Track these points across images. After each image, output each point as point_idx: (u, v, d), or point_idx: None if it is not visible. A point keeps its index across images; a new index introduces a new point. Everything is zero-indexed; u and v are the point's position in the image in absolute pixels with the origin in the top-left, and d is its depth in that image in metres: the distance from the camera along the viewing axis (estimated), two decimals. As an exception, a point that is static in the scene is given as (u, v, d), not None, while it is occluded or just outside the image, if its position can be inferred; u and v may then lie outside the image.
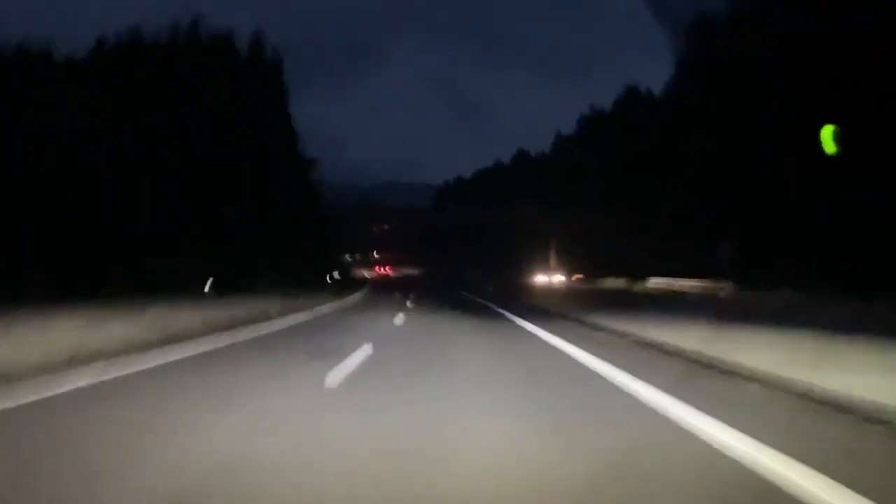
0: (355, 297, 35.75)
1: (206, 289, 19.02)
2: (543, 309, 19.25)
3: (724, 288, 25.52)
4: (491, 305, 23.98)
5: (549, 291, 29.59)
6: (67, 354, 7.91)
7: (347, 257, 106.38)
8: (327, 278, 40.02)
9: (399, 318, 17.95)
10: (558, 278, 35.13)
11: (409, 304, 26.95)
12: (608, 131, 72.94)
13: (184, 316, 13.60)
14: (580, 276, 35.79)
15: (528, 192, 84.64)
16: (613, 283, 33.50)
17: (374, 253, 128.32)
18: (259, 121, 35.72)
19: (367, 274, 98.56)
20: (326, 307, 24.92)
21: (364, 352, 9.53)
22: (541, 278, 36.32)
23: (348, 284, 46.59)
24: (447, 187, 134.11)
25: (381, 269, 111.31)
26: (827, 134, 16.39)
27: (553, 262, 50.35)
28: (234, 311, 17.23)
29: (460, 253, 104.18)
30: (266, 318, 17.26)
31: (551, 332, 12.46)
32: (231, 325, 13.93)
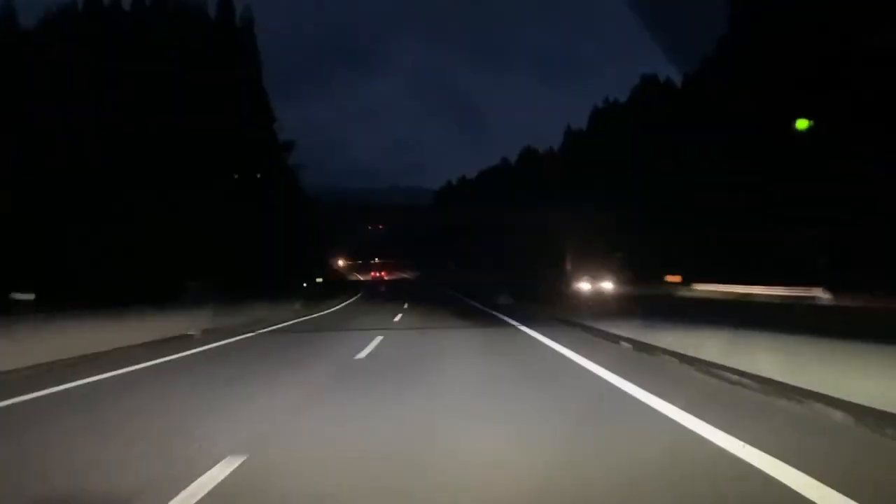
0: (336, 307, 29.27)
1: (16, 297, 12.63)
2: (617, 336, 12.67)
3: (819, 297, 19.00)
4: (515, 324, 17.12)
5: (600, 301, 22.48)
6: None
7: (340, 262, 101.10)
8: (304, 284, 33.65)
9: (373, 346, 11.53)
10: (607, 285, 27.43)
11: (397, 319, 20.38)
12: (623, 124, 66.92)
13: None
14: (677, 277, 27.47)
15: (536, 190, 78.67)
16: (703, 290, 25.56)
17: (376, 259, 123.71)
18: (222, 90, 29.40)
19: (361, 278, 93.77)
20: (286, 323, 18.53)
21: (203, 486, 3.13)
22: (584, 285, 28.80)
23: (336, 290, 40.15)
24: (449, 187, 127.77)
25: (377, 273, 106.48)
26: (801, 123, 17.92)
27: (568, 263, 43.61)
28: (124, 333, 10.99)
29: (465, 256, 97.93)
30: (178, 343, 11.03)
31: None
32: (88, 357, 7.86)
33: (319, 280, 36.95)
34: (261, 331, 15.61)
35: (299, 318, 20.94)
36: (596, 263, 30.09)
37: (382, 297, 42.49)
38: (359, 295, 42.46)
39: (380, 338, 13.10)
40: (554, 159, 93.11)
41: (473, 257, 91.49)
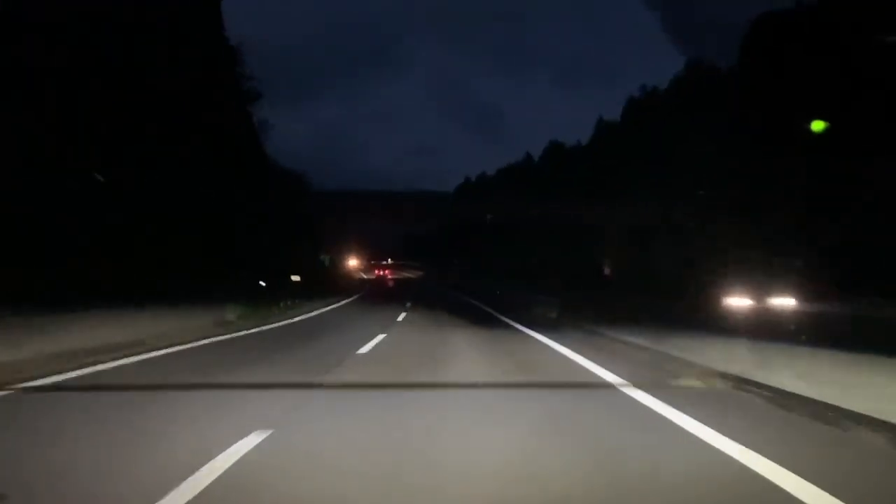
0: (296, 318, 20.29)
1: None
2: None
3: None
4: (616, 383, 7.55)
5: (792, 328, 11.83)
6: None
7: (353, 262, 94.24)
8: (262, 282, 24.91)
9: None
10: (785, 301, 16.76)
11: (366, 349, 11.47)
12: (665, 112, 57.99)
13: None
14: None
15: (565, 185, 70.36)
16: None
17: (389, 259, 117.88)
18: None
19: (366, 276, 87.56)
20: (155, 353, 9.91)
21: None
22: (736, 301, 18.50)
23: (322, 292, 31.45)
24: (467, 185, 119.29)
25: (381, 272, 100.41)
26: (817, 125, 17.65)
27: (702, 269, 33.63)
28: None
29: (479, 257, 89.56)
30: None
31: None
32: None
33: (296, 279, 28.42)
34: (35, 382, 6.93)
35: (205, 338, 12.24)
36: (741, 269, 19.70)
37: (378, 300, 33.94)
38: (349, 299, 33.57)
39: (259, 439, 4.35)
40: (582, 153, 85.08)
41: (488, 258, 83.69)
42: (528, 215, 63.71)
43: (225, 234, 25.65)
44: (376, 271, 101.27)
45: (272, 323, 16.97)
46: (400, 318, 19.67)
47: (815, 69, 25.33)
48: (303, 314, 21.03)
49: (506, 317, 20.40)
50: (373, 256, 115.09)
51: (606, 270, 45.86)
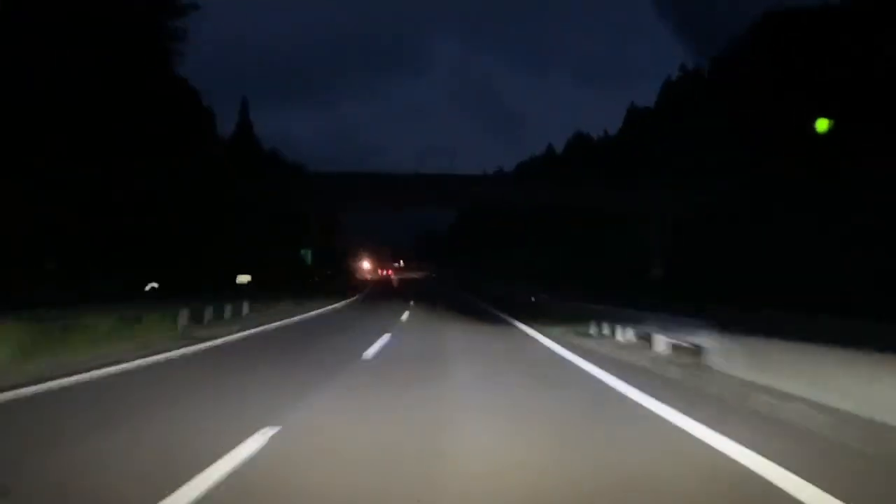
0: (120, 365, 11.74)
1: None
2: None
3: None
4: None
5: None
6: None
7: (366, 264, 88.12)
8: (153, 285, 16.60)
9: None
10: None
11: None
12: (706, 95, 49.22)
13: None
14: None
15: (594, 177, 62.15)
16: None
17: (401, 261, 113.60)
18: None
19: (369, 277, 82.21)
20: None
21: None
22: None
23: (294, 297, 23.21)
24: (485, 179, 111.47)
25: (383, 271, 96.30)
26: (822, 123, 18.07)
27: None
28: None
29: (501, 259, 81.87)
30: None
31: None
32: None
33: (244, 280, 20.32)
34: None
35: None
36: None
37: (366, 308, 26.06)
38: (322, 309, 24.73)
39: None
40: (612, 143, 77.11)
41: (504, 259, 76.04)
42: (555, 203, 55.53)
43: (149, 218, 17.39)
44: (379, 271, 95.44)
45: (83, 371, 8.42)
46: (366, 355, 11.13)
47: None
48: (201, 341, 12.35)
49: (597, 367, 9.54)
50: (383, 258, 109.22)
51: (657, 271, 36.99)
